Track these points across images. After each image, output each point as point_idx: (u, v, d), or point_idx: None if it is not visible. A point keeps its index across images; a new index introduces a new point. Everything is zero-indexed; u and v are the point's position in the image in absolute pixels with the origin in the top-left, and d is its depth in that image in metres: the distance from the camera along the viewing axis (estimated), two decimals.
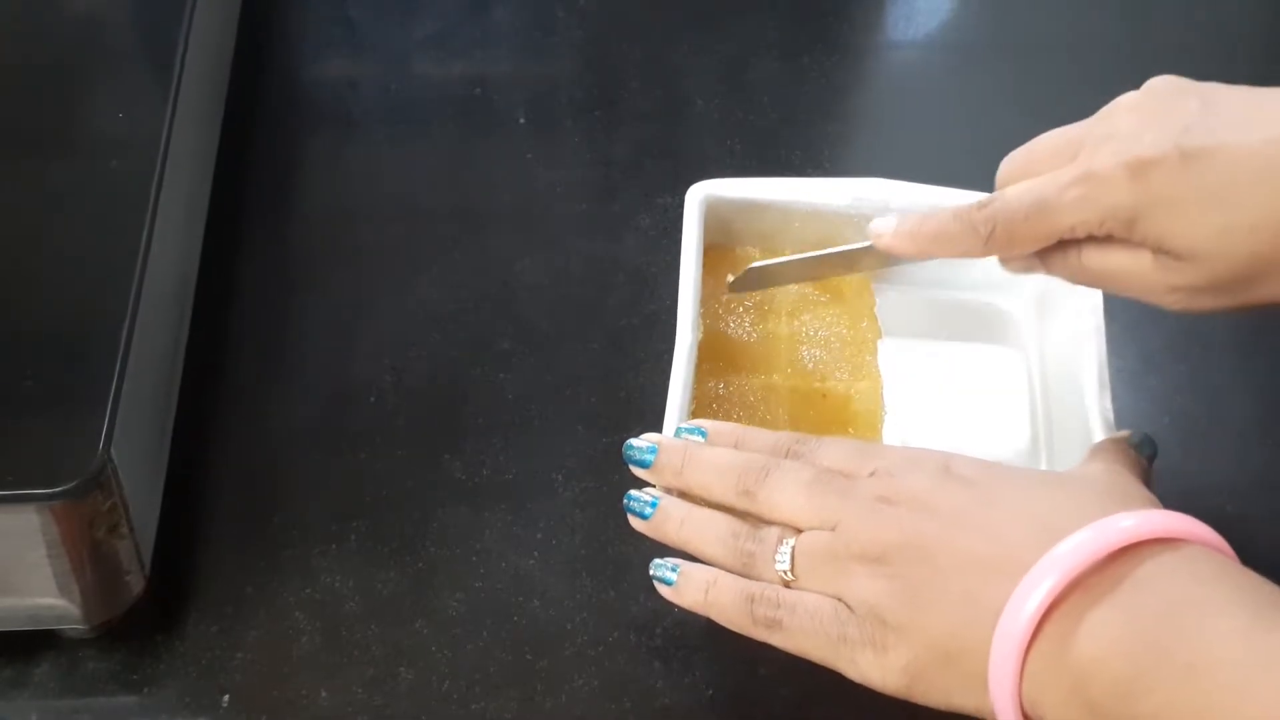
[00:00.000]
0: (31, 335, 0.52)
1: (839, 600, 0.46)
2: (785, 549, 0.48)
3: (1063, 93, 0.74)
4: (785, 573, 0.47)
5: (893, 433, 0.59)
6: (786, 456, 0.50)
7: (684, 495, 0.51)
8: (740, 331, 0.60)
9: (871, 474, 0.48)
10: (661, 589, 0.51)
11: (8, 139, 0.57)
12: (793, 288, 0.61)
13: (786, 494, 0.48)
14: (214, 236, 0.65)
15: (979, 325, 0.63)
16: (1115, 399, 0.56)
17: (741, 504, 0.49)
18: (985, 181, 0.52)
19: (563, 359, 0.63)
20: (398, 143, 0.71)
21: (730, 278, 0.59)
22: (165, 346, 0.58)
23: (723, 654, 0.54)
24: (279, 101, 0.72)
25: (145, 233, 0.54)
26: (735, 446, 0.51)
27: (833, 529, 0.47)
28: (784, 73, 0.75)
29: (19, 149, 0.57)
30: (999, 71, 0.77)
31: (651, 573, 0.51)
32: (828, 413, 0.58)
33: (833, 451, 0.50)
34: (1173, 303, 0.48)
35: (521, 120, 0.72)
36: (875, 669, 0.45)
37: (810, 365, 0.60)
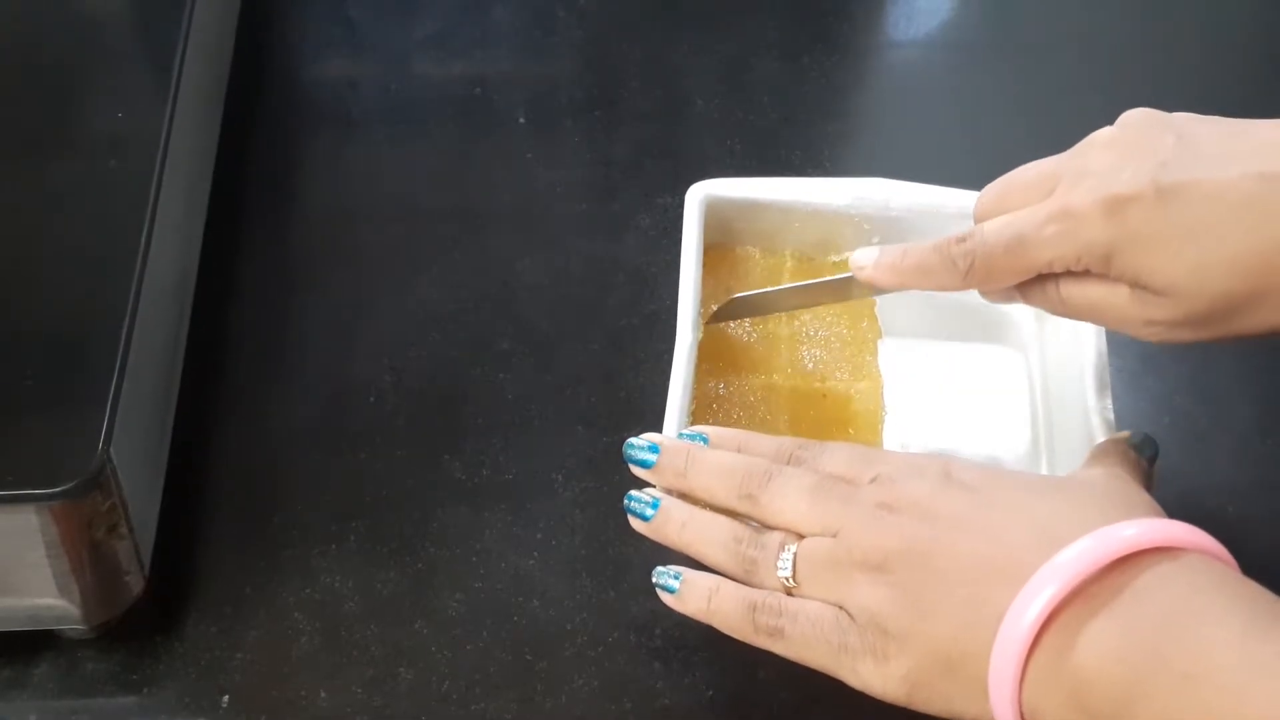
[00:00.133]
0: (31, 335, 0.51)
1: (840, 608, 0.46)
2: (787, 555, 0.48)
3: (1063, 93, 0.74)
4: (787, 579, 0.48)
5: (893, 433, 0.59)
6: (789, 462, 0.50)
7: (684, 497, 0.52)
8: (740, 331, 0.60)
9: (873, 480, 0.48)
10: (664, 596, 0.51)
11: (8, 139, 0.57)
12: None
13: (789, 500, 0.48)
14: (214, 236, 0.65)
15: (979, 325, 0.63)
16: (1115, 399, 0.56)
17: (743, 508, 0.49)
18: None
19: (563, 359, 0.63)
20: (398, 143, 0.71)
21: (714, 307, 0.59)
22: (165, 346, 0.58)
23: (723, 655, 0.54)
24: (279, 101, 0.72)
25: (145, 232, 0.54)
26: (738, 450, 0.51)
27: (834, 535, 0.47)
28: (784, 73, 0.75)
29: (19, 149, 0.57)
30: (999, 71, 0.77)
31: (655, 580, 0.51)
32: (828, 413, 0.58)
33: (835, 457, 0.50)
34: (1150, 335, 0.48)
35: (521, 120, 0.72)
36: (876, 677, 0.46)
37: (810, 365, 0.60)
